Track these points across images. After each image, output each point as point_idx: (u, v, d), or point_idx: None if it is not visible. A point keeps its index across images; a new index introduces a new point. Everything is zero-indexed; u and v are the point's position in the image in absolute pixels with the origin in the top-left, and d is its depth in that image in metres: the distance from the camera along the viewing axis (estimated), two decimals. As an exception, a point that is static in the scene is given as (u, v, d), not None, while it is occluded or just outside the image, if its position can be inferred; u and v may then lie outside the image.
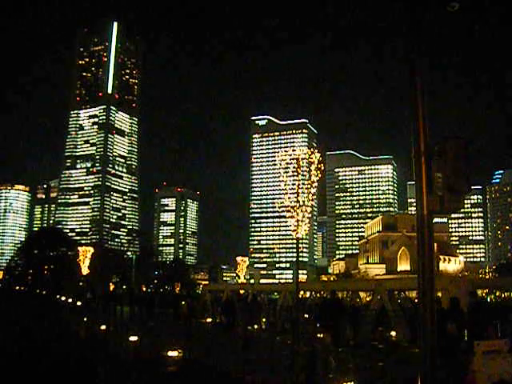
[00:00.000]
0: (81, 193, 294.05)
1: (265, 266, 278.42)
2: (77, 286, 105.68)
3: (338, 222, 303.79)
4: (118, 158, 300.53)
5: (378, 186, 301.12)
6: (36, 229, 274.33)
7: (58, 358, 22.50)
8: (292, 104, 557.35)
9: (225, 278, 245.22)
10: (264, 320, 27.58)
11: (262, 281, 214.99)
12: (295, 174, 18.95)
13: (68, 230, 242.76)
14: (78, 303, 46.17)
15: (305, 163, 19.31)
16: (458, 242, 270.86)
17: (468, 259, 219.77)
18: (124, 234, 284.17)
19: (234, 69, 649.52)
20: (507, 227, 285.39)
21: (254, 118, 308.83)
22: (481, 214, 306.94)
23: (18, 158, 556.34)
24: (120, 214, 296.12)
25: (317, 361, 13.07)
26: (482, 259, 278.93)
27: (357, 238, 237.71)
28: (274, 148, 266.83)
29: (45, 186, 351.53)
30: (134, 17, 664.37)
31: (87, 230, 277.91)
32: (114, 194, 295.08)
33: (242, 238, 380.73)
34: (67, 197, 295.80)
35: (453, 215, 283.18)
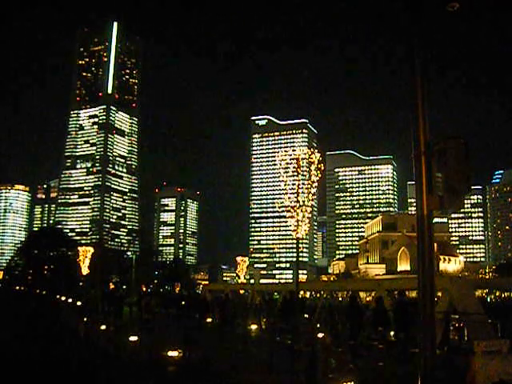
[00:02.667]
0: (81, 193, 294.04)
1: (265, 266, 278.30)
2: (77, 286, 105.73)
3: (337, 221, 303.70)
4: (117, 158, 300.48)
5: (378, 186, 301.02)
6: (36, 229, 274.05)
7: (57, 358, 22.50)
8: (292, 104, 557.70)
9: (225, 278, 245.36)
10: (264, 320, 27.61)
11: (262, 281, 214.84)
12: (295, 174, 18.96)
13: (68, 230, 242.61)
14: (78, 303, 46.16)
15: (305, 163, 19.32)
16: (458, 242, 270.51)
17: (468, 259, 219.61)
18: (124, 234, 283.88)
19: (234, 69, 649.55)
20: (507, 227, 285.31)
21: (254, 117, 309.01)
22: (481, 214, 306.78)
23: (18, 157, 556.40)
24: (120, 214, 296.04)
25: (317, 361, 13.07)
26: (482, 259, 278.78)
27: (357, 238, 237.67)
28: (274, 148, 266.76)
29: (45, 186, 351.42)
30: (134, 17, 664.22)
31: (87, 230, 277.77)
32: (114, 194, 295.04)
33: (242, 238, 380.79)
34: (67, 197, 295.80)
35: (453, 215, 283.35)
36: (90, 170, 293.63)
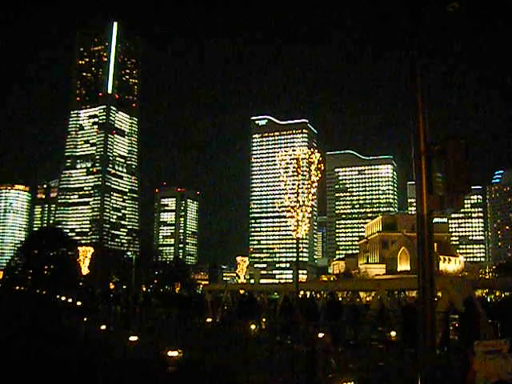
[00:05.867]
0: (81, 193, 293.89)
1: (265, 266, 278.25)
2: (77, 286, 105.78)
3: (337, 221, 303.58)
4: (117, 158, 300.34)
5: (378, 186, 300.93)
6: (36, 229, 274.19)
7: (58, 358, 22.48)
8: (292, 104, 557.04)
9: (225, 278, 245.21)
10: (264, 320, 27.64)
11: (262, 281, 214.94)
12: (295, 174, 18.98)
13: (68, 230, 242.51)
14: (78, 303, 46.16)
15: (305, 163, 19.34)
16: (458, 242, 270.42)
17: (468, 259, 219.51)
18: (124, 234, 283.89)
19: (234, 69, 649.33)
20: (507, 227, 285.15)
21: (254, 117, 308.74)
22: (481, 214, 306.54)
23: (18, 158, 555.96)
24: (120, 214, 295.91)
25: (317, 361, 13.09)
26: (482, 259, 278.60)
27: (357, 238, 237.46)
28: (274, 148, 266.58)
29: (45, 186, 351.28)
30: (134, 17, 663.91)
31: (87, 230, 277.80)
32: (114, 194, 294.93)
33: (242, 238, 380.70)
34: (67, 197, 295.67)
35: (453, 215, 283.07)
36: (90, 169, 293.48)
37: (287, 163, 19.39)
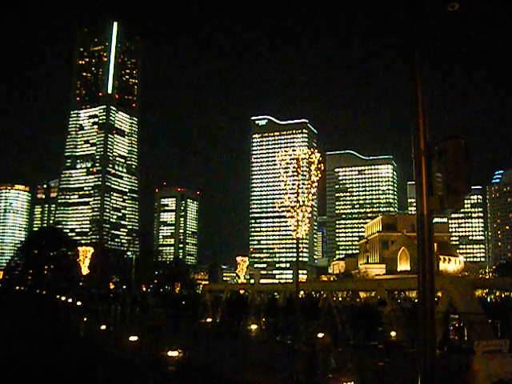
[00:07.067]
0: (81, 193, 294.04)
1: (265, 266, 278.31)
2: (77, 286, 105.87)
3: (338, 221, 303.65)
4: (117, 158, 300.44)
5: (378, 186, 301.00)
6: (36, 229, 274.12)
7: (58, 357, 22.49)
8: (292, 104, 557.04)
9: (225, 278, 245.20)
10: (264, 320, 27.67)
11: (262, 281, 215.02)
12: (295, 174, 19.00)
13: (68, 230, 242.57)
14: (78, 303, 46.16)
15: (305, 163, 19.35)
16: (458, 242, 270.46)
17: (468, 259, 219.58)
18: (124, 234, 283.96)
19: (235, 69, 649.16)
20: (507, 227, 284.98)
21: (254, 117, 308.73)
22: (481, 214, 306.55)
23: (18, 158, 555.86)
24: (120, 214, 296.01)
25: (317, 361, 13.09)
26: (482, 259, 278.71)
27: (357, 238, 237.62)
28: (274, 148, 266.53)
29: (45, 186, 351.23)
30: (134, 17, 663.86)
31: (87, 229, 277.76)
32: (114, 194, 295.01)
33: (242, 238, 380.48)
34: (67, 197, 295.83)
35: (453, 215, 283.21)
36: (90, 169, 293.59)
37: (287, 163, 19.43)
